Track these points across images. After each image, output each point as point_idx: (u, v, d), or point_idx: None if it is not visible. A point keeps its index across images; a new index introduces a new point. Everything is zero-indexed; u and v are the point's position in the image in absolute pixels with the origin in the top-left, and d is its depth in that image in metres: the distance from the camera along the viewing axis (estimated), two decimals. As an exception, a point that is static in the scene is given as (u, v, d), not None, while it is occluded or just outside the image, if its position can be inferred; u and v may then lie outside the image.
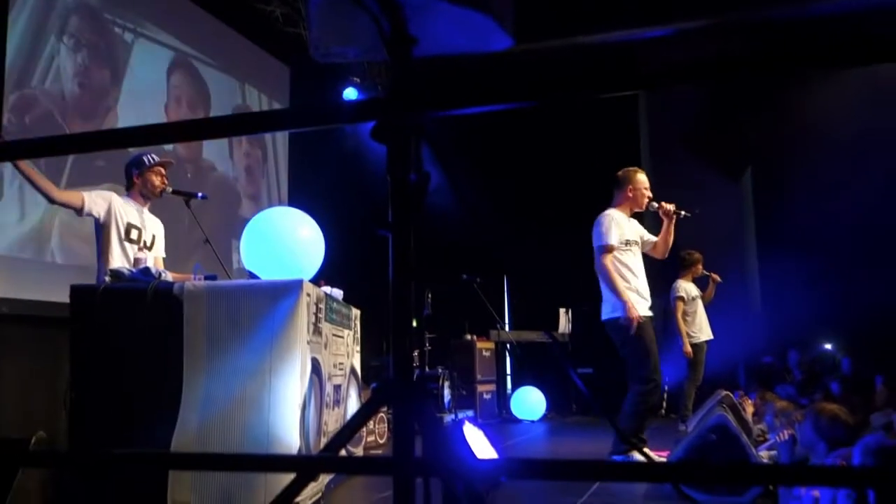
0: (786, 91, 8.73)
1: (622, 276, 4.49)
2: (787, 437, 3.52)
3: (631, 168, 4.78)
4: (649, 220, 5.10)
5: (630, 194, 4.65)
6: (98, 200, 4.00)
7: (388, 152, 1.40)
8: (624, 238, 4.54)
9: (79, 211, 3.96)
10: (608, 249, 4.47)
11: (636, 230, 4.70)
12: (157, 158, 4.21)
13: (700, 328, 6.68)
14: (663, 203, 4.66)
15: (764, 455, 4.03)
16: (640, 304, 4.48)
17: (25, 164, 3.74)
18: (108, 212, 4.02)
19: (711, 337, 6.74)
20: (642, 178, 4.71)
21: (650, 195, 4.68)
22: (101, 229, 4.03)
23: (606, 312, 4.51)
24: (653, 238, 4.75)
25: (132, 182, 4.19)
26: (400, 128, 1.37)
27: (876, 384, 6.16)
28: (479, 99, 1.34)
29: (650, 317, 4.55)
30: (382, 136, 1.38)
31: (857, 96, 8.06)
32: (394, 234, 1.39)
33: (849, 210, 8.02)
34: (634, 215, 4.75)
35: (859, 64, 1.17)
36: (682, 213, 4.67)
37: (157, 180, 4.19)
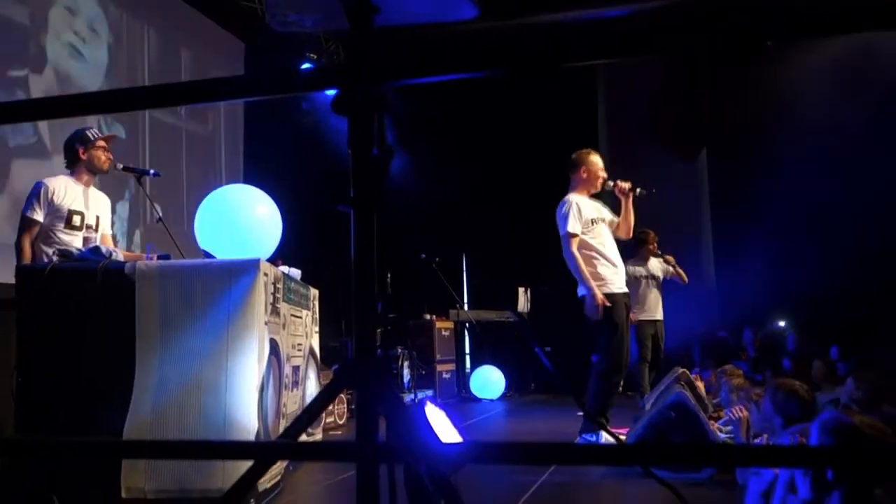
0: (740, 71, 8.82)
1: (593, 258, 4.50)
2: (740, 415, 3.56)
3: (584, 150, 4.75)
4: (609, 201, 5.09)
5: (584, 175, 4.63)
6: (37, 211, 3.85)
7: (349, 125, 1.33)
8: (588, 219, 4.54)
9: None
10: (572, 236, 4.47)
11: (597, 208, 4.70)
12: (98, 133, 4.04)
13: (647, 307, 6.71)
14: (619, 182, 4.65)
15: (720, 430, 4.09)
16: (615, 279, 4.52)
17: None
18: (48, 212, 3.87)
19: (658, 318, 6.76)
20: (595, 160, 4.68)
21: (604, 175, 4.66)
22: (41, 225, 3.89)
23: (583, 289, 4.52)
24: (615, 218, 4.75)
25: (77, 158, 3.98)
26: (362, 99, 1.31)
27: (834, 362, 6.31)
28: (442, 67, 1.28)
29: (624, 292, 4.58)
30: (344, 108, 1.32)
31: (812, 75, 8.17)
32: (356, 210, 1.34)
33: (802, 189, 8.16)
34: (594, 197, 4.74)
35: (818, 35, 1.14)
36: (638, 190, 4.67)
37: (103, 156, 4.02)
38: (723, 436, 3.92)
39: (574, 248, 4.46)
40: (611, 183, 4.64)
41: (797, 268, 8.16)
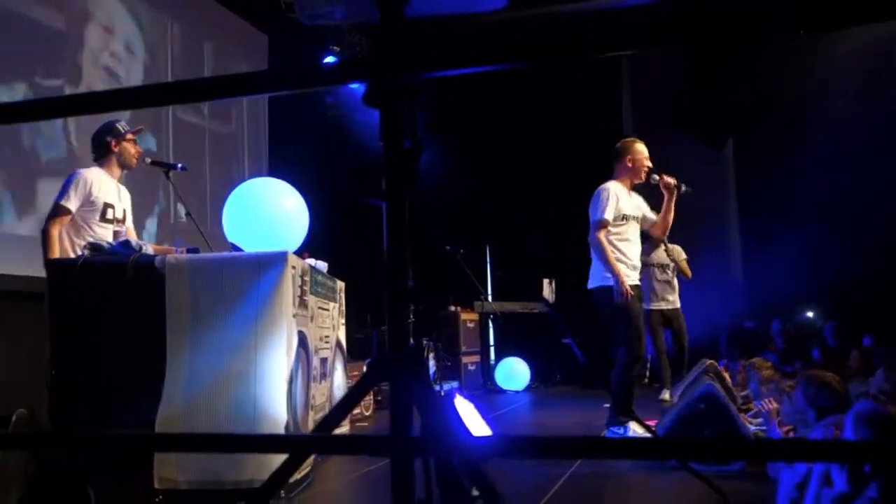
0: (768, 60, 8.69)
1: (617, 249, 4.44)
2: (771, 407, 3.52)
3: (629, 138, 4.66)
4: (651, 195, 4.96)
5: (629, 164, 4.52)
6: (72, 200, 3.84)
7: (381, 117, 1.33)
8: (621, 213, 4.46)
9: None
10: (602, 224, 4.41)
11: (637, 205, 4.60)
12: (127, 126, 4.05)
13: (655, 296, 6.65)
14: (664, 175, 4.53)
15: (750, 423, 4.05)
16: (631, 275, 4.46)
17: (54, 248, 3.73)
18: (83, 203, 3.87)
19: (669, 306, 6.67)
20: (641, 148, 4.57)
21: (650, 165, 4.54)
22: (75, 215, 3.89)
23: (595, 281, 4.48)
24: (653, 217, 4.65)
25: (108, 150, 3.98)
26: (395, 91, 1.30)
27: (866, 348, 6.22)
28: (474, 59, 1.27)
29: (637, 286, 4.52)
30: (376, 100, 1.32)
31: (840, 65, 8.04)
32: (388, 203, 1.33)
33: (830, 178, 8.04)
34: (636, 189, 4.64)
35: (846, 26, 1.12)
36: (683, 187, 4.55)
37: (132, 149, 4.04)
38: (753, 428, 3.88)
39: (601, 236, 4.41)
40: (656, 176, 4.52)
41: (825, 258, 8.04)
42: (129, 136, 4.02)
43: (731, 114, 9.50)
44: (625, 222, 4.49)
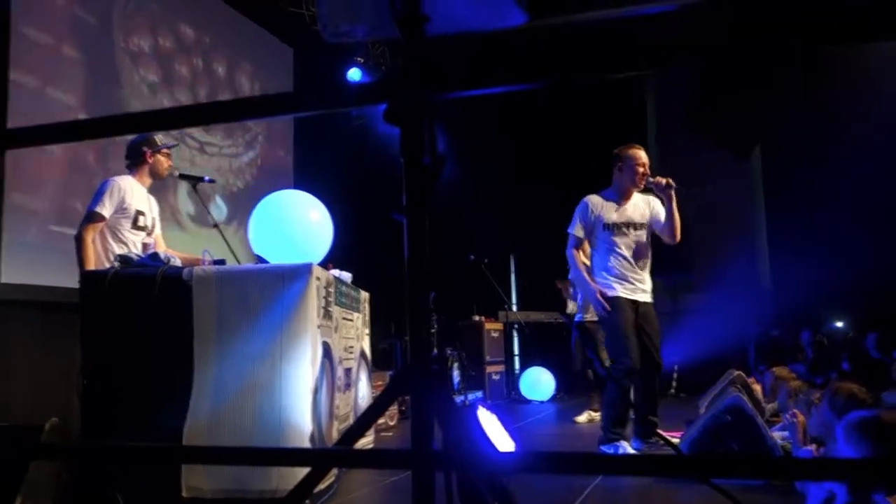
0: (794, 66, 8.62)
1: (599, 261, 4.38)
2: (797, 420, 3.48)
3: (625, 145, 4.50)
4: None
5: (619, 171, 4.41)
6: (106, 207, 3.93)
7: (401, 134, 1.35)
8: (602, 223, 4.36)
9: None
10: (575, 240, 4.42)
11: (632, 213, 4.41)
12: (164, 141, 4.17)
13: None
14: (658, 177, 4.31)
15: (777, 436, 4.00)
16: (621, 286, 4.29)
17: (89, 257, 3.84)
18: (116, 210, 3.97)
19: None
20: (635, 154, 4.40)
21: (643, 170, 4.36)
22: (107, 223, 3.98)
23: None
24: (660, 222, 4.40)
25: (143, 160, 4.10)
26: (414, 108, 1.32)
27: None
28: (495, 79, 1.29)
29: (621, 298, 4.28)
30: (396, 118, 1.34)
31: (868, 71, 7.95)
32: (409, 218, 1.35)
33: (858, 186, 7.95)
34: (642, 193, 4.49)
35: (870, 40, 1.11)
36: (675, 186, 4.30)
37: (166, 162, 4.17)
38: (781, 441, 3.83)
39: (571, 251, 4.40)
40: (651, 179, 4.33)
41: (855, 267, 7.93)
42: (165, 150, 4.16)
43: (757, 121, 9.42)
44: (612, 232, 4.35)
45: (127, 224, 4.01)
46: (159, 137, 4.14)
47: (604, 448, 4.24)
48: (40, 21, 5.16)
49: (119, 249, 3.90)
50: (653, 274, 4.49)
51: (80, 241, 3.89)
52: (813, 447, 3.14)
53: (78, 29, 5.50)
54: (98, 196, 3.96)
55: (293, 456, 1.45)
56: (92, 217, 3.92)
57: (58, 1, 5.34)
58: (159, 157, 4.13)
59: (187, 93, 6.67)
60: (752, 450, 3.44)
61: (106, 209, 3.93)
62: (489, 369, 8.51)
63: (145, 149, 4.10)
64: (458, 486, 1.30)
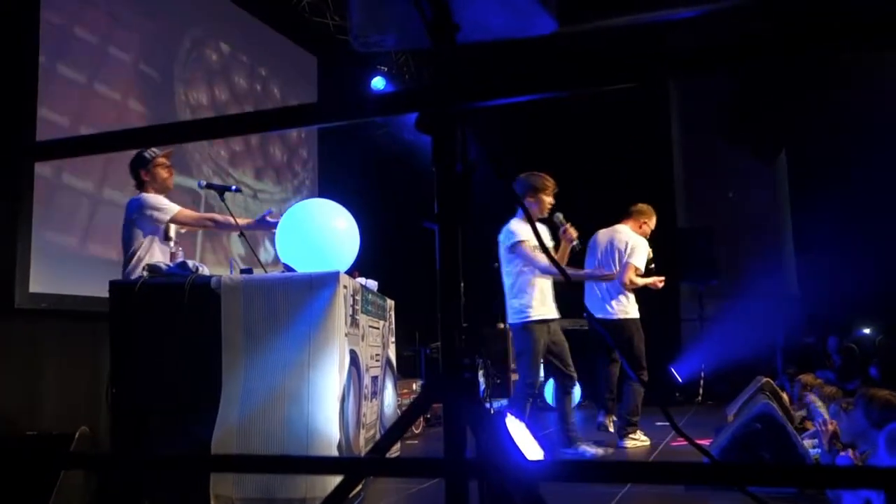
0: (821, 70, 8.53)
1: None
2: (828, 428, 3.43)
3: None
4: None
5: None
6: (164, 211, 4.01)
7: (433, 143, 1.35)
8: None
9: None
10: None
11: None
12: (157, 151, 4.11)
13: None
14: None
15: (808, 444, 3.94)
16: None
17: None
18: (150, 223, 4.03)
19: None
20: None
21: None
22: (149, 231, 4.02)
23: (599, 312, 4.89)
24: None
25: (142, 181, 4.10)
26: (446, 117, 1.33)
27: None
28: (526, 87, 1.29)
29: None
30: (428, 126, 1.34)
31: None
32: (441, 227, 1.35)
33: (885, 190, 7.83)
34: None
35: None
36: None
37: (164, 172, 4.13)
38: (813, 451, 3.78)
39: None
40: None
41: (882, 273, 7.81)
42: (159, 160, 4.11)
43: (784, 125, 9.33)
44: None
45: (160, 235, 4.05)
46: (149, 152, 4.09)
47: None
48: (107, 77, 5.31)
49: (150, 259, 3.93)
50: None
51: (193, 220, 4.13)
52: (849, 452, 3.10)
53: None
54: (152, 207, 3.98)
55: (326, 464, 1.46)
56: (176, 216, 4.01)
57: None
58: (154, 170, 4.09)
59: (212, 104, 6.74)
60: (784, 458, 3.39)
61: (166, 213, 3.99)
62: (514, 376, 8.46)
63: (139, 169, 4.09)
64: (491, 495, 1.30)
